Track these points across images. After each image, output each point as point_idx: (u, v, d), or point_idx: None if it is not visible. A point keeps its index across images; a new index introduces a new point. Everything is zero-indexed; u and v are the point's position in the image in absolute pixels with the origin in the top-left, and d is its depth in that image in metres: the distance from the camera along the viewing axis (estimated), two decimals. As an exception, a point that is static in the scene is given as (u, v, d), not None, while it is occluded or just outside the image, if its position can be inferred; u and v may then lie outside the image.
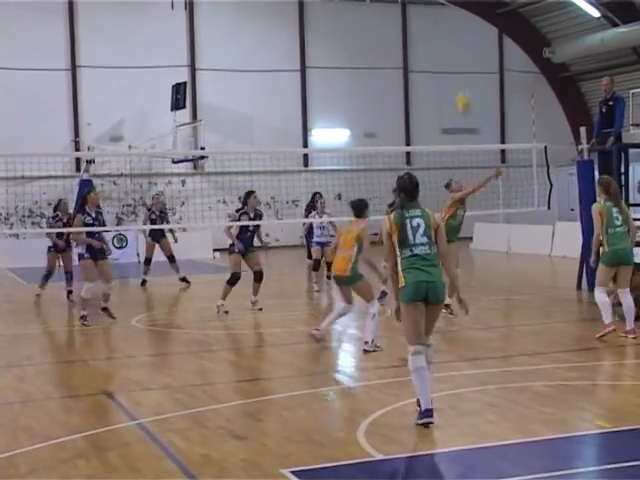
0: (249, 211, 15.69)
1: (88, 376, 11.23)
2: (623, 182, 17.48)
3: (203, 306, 15.62)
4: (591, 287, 17.25)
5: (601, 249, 12.25)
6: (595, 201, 17.58)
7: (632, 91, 29.29)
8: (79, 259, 15.17)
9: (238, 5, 35.53)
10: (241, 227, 15.68)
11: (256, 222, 15.68)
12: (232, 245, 15.69)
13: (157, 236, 21.06)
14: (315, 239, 19.62)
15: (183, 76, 33.58)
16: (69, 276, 18.18)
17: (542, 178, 17.67)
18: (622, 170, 17.39)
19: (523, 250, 27.29)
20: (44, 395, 10.08)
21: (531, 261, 25.13)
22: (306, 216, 20.16)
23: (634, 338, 11.89)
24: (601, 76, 18.80)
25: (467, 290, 16.67)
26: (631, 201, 18.38)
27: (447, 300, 13.91)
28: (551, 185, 17.60)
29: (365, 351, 11.65)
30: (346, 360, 12.19)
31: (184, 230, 30.65)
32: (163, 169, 33.94)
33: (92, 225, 14.99)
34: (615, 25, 34.99)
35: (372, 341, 11.75)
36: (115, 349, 13.29)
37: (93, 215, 15.11)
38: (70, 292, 18.13)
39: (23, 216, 32.22)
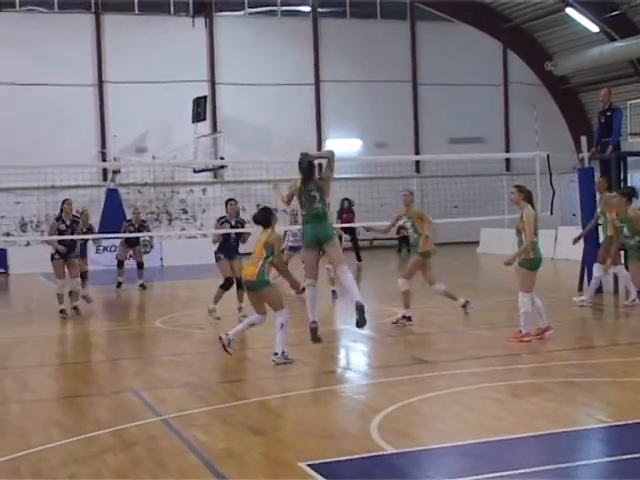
0: (229, 219, 15.64)
1: (116, 374, 11.28)
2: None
3: (223, 308, 15.60)
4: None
5: (524, 255, 12.18)
6: (595, 207, 17.64)
7: (630, 102, 29.22)
8: (52, 259, 16.66)
9: (255, 22, 35.70)
10: (224, 235, 15.59)
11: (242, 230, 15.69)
12: (217, 253, 15.69)
13: (133, 244, 21.94)
14: (289, 244, 19.25)
15: (203, 90, 33.70)
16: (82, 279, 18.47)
17: (545, 185, 17.61)
18: (621, 177, 17.38)
19: (527, 253, 27.16)
20: (75, 392, 10.13)
21: (535, 264, 25.02)
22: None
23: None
24: (600, 88, 18.78)
25: (473, 292, 16.61)
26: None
27: (408, 312, 13.99)
28: (554, 191, 17.55)
29: (274, 362, 10.90)
30: (359, 358, 12.19)
31: (205, 236, 30.75)
32: (185, 178, 34.09)
33: (65, 232, 16.39)
34: (613, 40, 34.93)
35: (282, 352, 10.98)
36: (141, 349, 13.33)
37: (67, 223, 16.47)
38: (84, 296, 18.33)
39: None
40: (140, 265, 21.77)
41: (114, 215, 29.79)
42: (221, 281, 15.44)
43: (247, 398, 9.28)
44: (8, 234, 30.59)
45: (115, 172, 31.85)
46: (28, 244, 30.34)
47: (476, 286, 16.36)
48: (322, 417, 8.49)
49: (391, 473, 6.72)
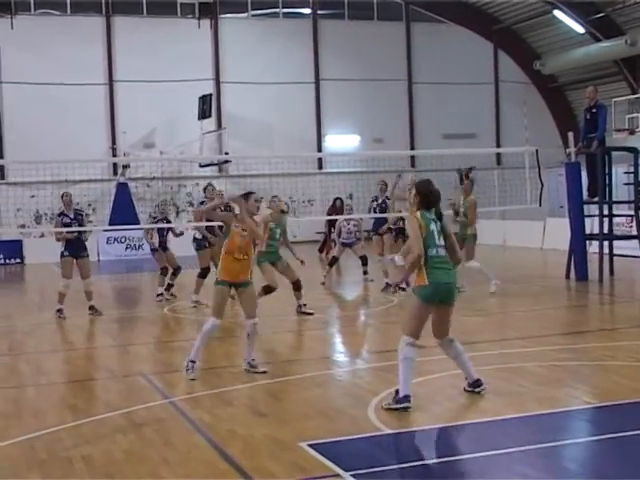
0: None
1: (126, 359, 11.28)
2: (607, 181, 17.48)
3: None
4: (579, 277, 17.27)
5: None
6: (581, 200, 17.58)
7: (614, 99, 29.22)
8: (61, 257, 14.97)
9: (258, 24, 35.63)
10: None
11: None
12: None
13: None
14: (342, 240, 19.09)
15: (209, 88, 33.63)
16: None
17: (534, 178, 17.61)
18: (606, 171, 17.38)
19: (517, 243, 27.20)
20: (87, 376, 10.13)
21: (524, 253, 25.06)
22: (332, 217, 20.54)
23: None
24: (586, 86, 18.73)
25: (466, 279, 16.56)
26: (614, 198, 18.33)
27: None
28: (542, 185, 17.55)
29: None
30: (357, 344, 12.18)
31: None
32: (191, 172, 34.08)
33: (70, 225, 14.81)
34: (598, 40, 34.87)
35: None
36: (149, 335, 13.31)
37: (71, 216, 14.95)
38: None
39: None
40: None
41: (124, 208, 29.89)
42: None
43: (250, 382, 9.27)
44: (24, 226, 30.59)
45: (125, 167, 31.81)
46: (42, 235, 30.29)
47: (470, 275, 16.27)
48: (322, 400, 8.49)
49: (387, 452, 6.74)
